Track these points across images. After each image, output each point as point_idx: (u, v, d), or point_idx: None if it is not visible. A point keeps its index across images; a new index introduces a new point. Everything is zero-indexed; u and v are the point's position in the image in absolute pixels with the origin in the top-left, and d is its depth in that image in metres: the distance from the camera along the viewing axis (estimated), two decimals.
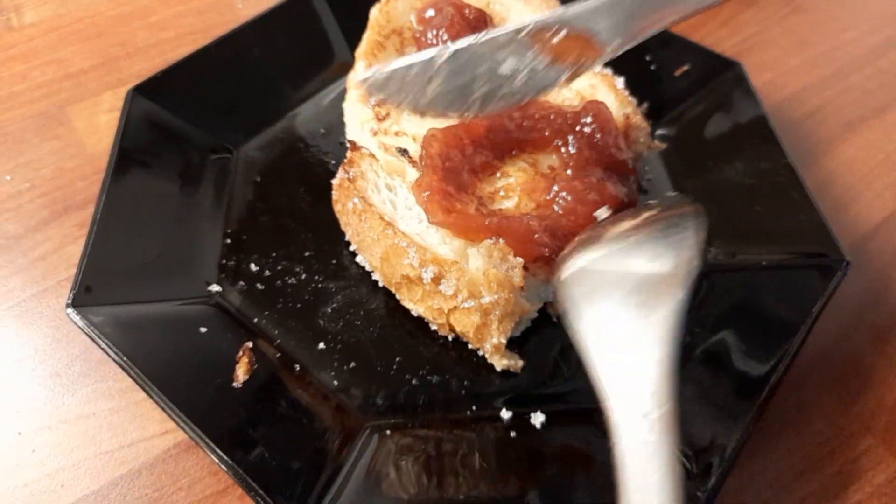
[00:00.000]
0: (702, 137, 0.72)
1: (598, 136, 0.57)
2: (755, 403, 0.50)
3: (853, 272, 0.59)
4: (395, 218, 0.57)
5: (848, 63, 0.88)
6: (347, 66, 0.79)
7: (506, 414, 0.54)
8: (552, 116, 0.59)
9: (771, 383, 0.51)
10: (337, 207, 0.63)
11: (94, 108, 0.78)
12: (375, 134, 0.63)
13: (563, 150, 0.59)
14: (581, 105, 0.61)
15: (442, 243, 0.56)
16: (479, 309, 0.52)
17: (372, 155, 0.61)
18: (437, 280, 0.53)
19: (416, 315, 0.59)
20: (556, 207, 0.54)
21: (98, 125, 0.76)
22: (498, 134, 0.58)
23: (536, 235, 0.52)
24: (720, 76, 0.75)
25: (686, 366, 0.57)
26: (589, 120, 0.58)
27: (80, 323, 0.52)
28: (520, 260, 0.53)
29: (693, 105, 0.75)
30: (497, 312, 0.52)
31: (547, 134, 0.59)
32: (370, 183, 0.60)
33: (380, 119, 0.63)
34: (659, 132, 0.74)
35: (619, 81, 0.68)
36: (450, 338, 0.59)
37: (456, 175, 0.57)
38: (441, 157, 0.55)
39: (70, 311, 0.53)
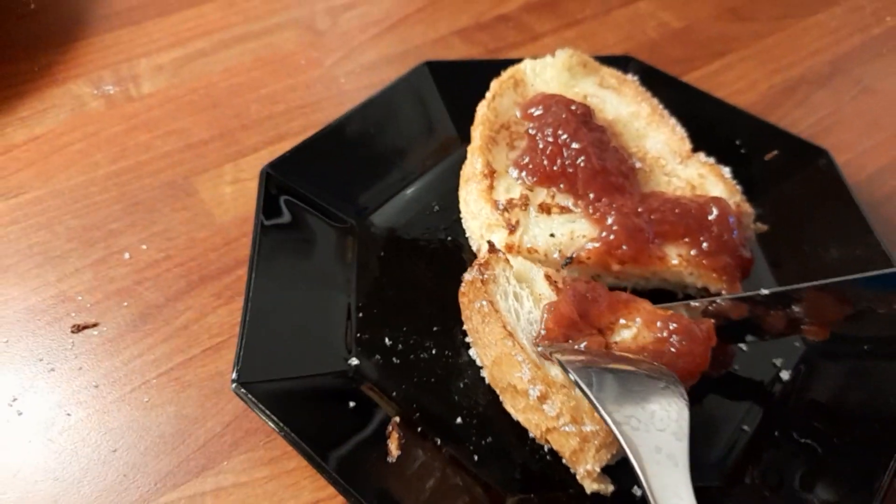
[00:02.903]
0: (795, 222, 0.76)
1: (726, 236, 0.62)
2: (883, 485, 0.54)
3: None
4: (516, 329, 0.59)
5: None
6: (452, 141, 0.85)
7: (637, 491, 0.58)
8: (677, 210, 0.64)
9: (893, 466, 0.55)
10: (462, 300, 0.64)
11: (217, 179, 0.83)
12: (510, 249, 0.66)
13: (693, 249, 0.63)
14: (703, 200, 0.65)
15: (555, 364, 0.58)
16: (579, 435, 0.54)
17: (507, 261, 0.64)
18: (542, 399, 0.55)
19: (515, 420, 0.61)
20: (671, 348, 0.57)
21: (223, 196, 0.81)
22: (638, 243, 0.63)
23: None
24: (810, 161, 0.79)
25: (801, 445, 0.60)
26: (714, 213, 0.63)
27: (248, 399, 0.56)
28: None
29: (784, 189, 0.79)
30: (596, 442, 0.54)
31: (676, 228, 0.64)
32: (500, 288, 0.62)
33: (511, 230, 0.67)
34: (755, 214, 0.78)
35: (726, 171, 0.73)
36: (546, 448, 0.60)
37: (588, 304, 0.60)
38: (588, 290, 0.60)
39: (235, 386, 0.57)
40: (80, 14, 1.04)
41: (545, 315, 0.59)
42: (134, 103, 0.92)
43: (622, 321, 0.60)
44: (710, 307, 0.63)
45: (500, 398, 0.61)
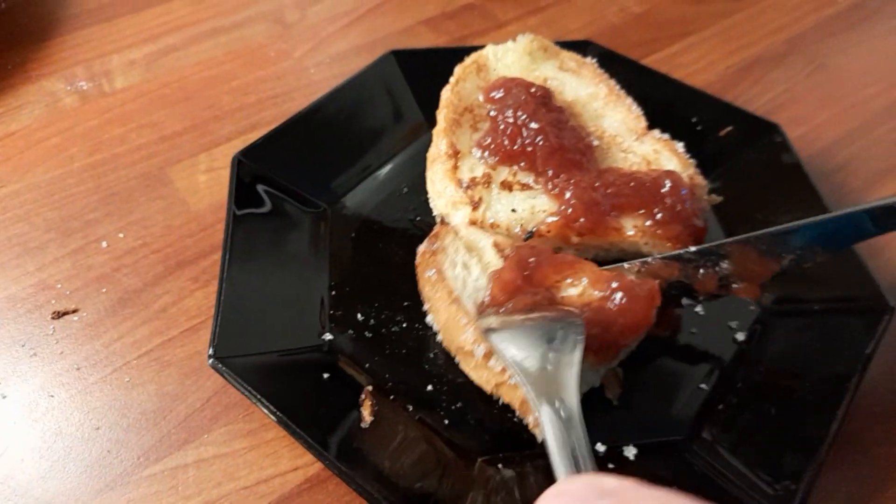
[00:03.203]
0: (749, 192, 0.80)
1: (679, 207, 0.65)
2: (829, 434, 0.57)
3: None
4: (461, 295, 0.64)
5: (872, 117, 0.97)
6: (420, 127, 0.87)
7: (601, 447, 0.61)
8: (632, 184, 0.67)
9: (839, 417, 0.59)
10: (417, 271, 0.69)
11: (191, 168, 0.85)
12: (474, 225, 0.70)
13: (647, 220, 0.67)
14: (657, 173, 0.69)
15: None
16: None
17: (456, 233, 0.68)
18: (487, 356, 0.60)
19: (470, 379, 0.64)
20: (611, 305, 0.60)
21: (197, 185, 0.83)
22: (595, 216, 0.66)
23: (592, 329, 0.57)
24: (762, 136, 0.83)
25: (751, 398, 0.64)
26: (668, 186, 0.66)
27: (225, 373, 0.59)
28: None
29: (738, 162, 0.83)
30: None
31: (632, 201, 0.67)
32: (449, 258, 0.67)
33: (475, 206, 0.70)
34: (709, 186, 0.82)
35: (680, 146, 0.76)
36: (500, 402, 0.63)
37: (531, 267, 0.63)
38: (531, 255, 0.63)
39: (212, 361, 0.59)
40: (51, 12, 1.06)
41: (490, 284, 0.63)
42: (107, 98, 0.94)
43: (569, 280, 0.64)
44: (642, 268, 0.66)
45: (455, 360, 0.65)
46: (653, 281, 0.62)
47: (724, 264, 0.63)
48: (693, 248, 0.64)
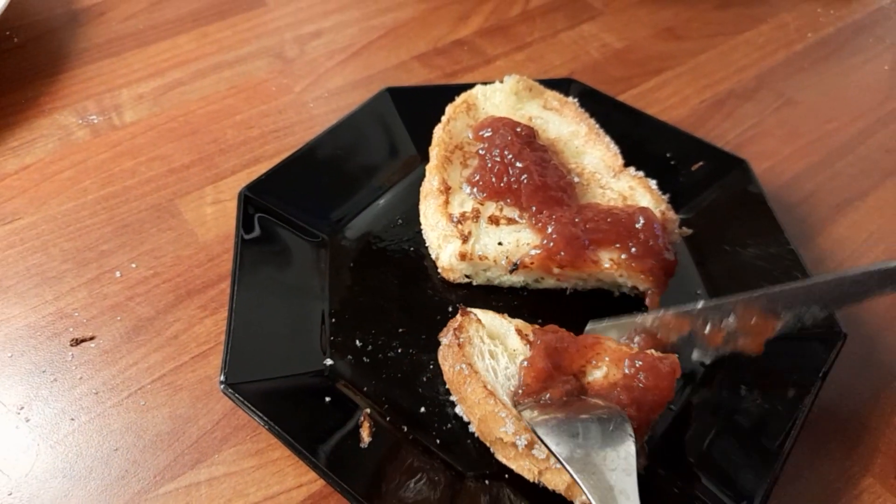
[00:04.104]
0: (718, 225, 0.86)
1: (651, 242, 0.72)
2: (782, 452, 0.63)
3: (848, 336, 0.72)
4: (496, 387, 0.64)
5: (833, 151, 1.04)
6: (413, 160, 0.93)
7: None
8: (609, 220, 0.74)
9: (793, 435, 0.65)
10: (443, 365, 0.69)
11: (199, 200, 0.90)
12: (464, 257, 0.75)
13: (623, 253, 0.73)
14: (632, 210, 0.75)
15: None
16: None
17: (479, 321, 0.69)
18: (530, 446, 0.60)
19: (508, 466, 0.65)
20: (637, 383, 0.63)
21: (205, 217, 0.89)
22: (575, 249, 0.72)
23: (626, 409, 0.61)
24: (731, 170, 0.90)
25: (717, 417, 0.70)
26: (641, 222, 0.73)
27: (235, 398, 0.64)
28: None
29: (708, 195, 0.89)
30: None
31: (608, 235, 0.73)
32: (476, 349, 0.67)
33: (464, 239, 0.76)
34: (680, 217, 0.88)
35: (653, 183, 0.83)
36: (539, 483, 0.64)
37: (559, 354, 0.66)
38: (556, 341, 0.66)
39: (223, 387, 0.65)
40: (62, 46, 1.11)
41: (522, 372, 0.65)
42: (118, 132, 0.99)
43: (593, 362, 0.67)
44: (655, 322, 0.70)
45: (491, 450, 0.66)
46: (673, 355, 0.66)
47: (730, 319, 0.67)
48: (700, 304, 0.69)
